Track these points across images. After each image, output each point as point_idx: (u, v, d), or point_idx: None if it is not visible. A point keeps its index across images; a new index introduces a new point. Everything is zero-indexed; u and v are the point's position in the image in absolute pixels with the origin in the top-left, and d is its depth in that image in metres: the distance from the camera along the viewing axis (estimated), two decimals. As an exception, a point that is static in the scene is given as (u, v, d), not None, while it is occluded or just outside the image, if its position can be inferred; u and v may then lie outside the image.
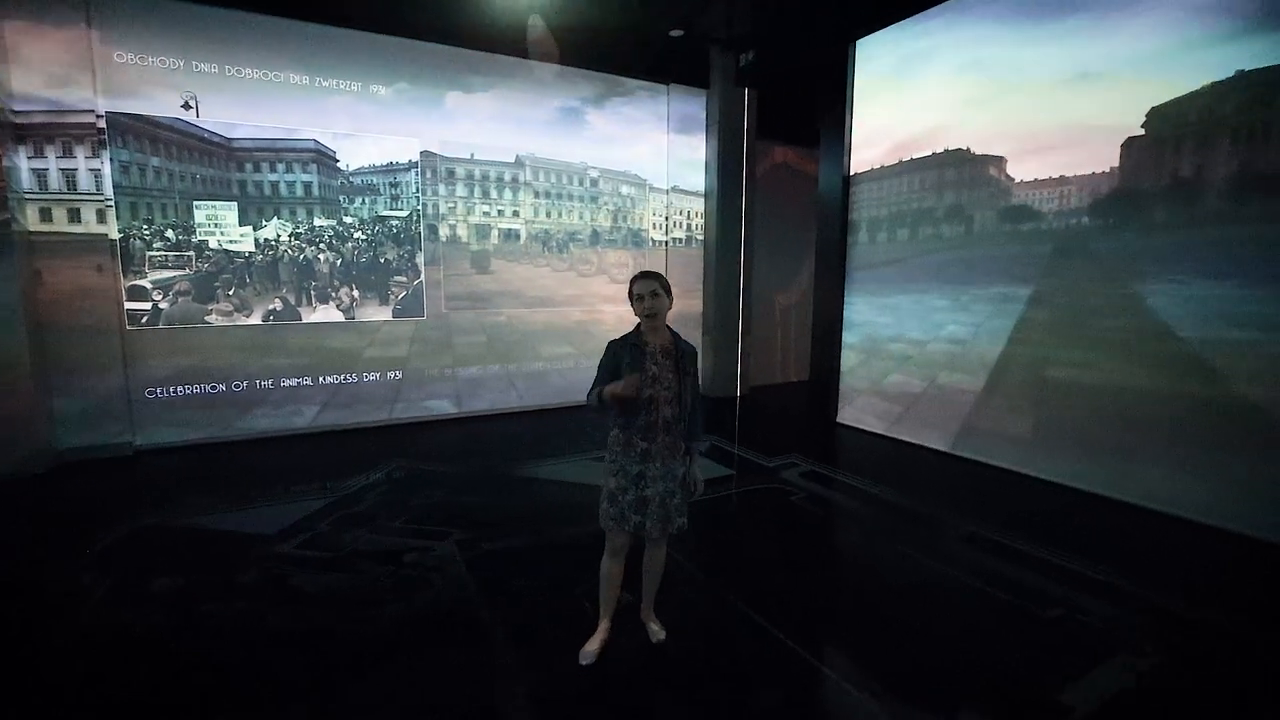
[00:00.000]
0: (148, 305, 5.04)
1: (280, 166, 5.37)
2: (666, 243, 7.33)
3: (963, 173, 5.14)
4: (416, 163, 5.90)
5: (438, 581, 3.12)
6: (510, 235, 6.47)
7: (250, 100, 5.21)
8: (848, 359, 6.31)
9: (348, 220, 5.69)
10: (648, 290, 2.40)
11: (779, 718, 2.18)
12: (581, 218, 6.83)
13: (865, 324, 6.08)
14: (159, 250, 5.04)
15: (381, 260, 5.87)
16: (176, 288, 5.13)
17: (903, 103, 5.53)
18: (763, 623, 2.75)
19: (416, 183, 5.93)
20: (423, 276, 6.07)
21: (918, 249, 5.58)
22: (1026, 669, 2.46)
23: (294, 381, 5.59)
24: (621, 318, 7.04)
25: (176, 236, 5.08)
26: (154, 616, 2.79)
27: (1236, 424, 3.69)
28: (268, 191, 5.36)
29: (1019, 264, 4.80)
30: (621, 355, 2.42)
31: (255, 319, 5.43)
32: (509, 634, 2.67)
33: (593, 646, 2.46)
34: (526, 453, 5.31)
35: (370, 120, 5.67)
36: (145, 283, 5.02)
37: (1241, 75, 3.60)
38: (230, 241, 5.26)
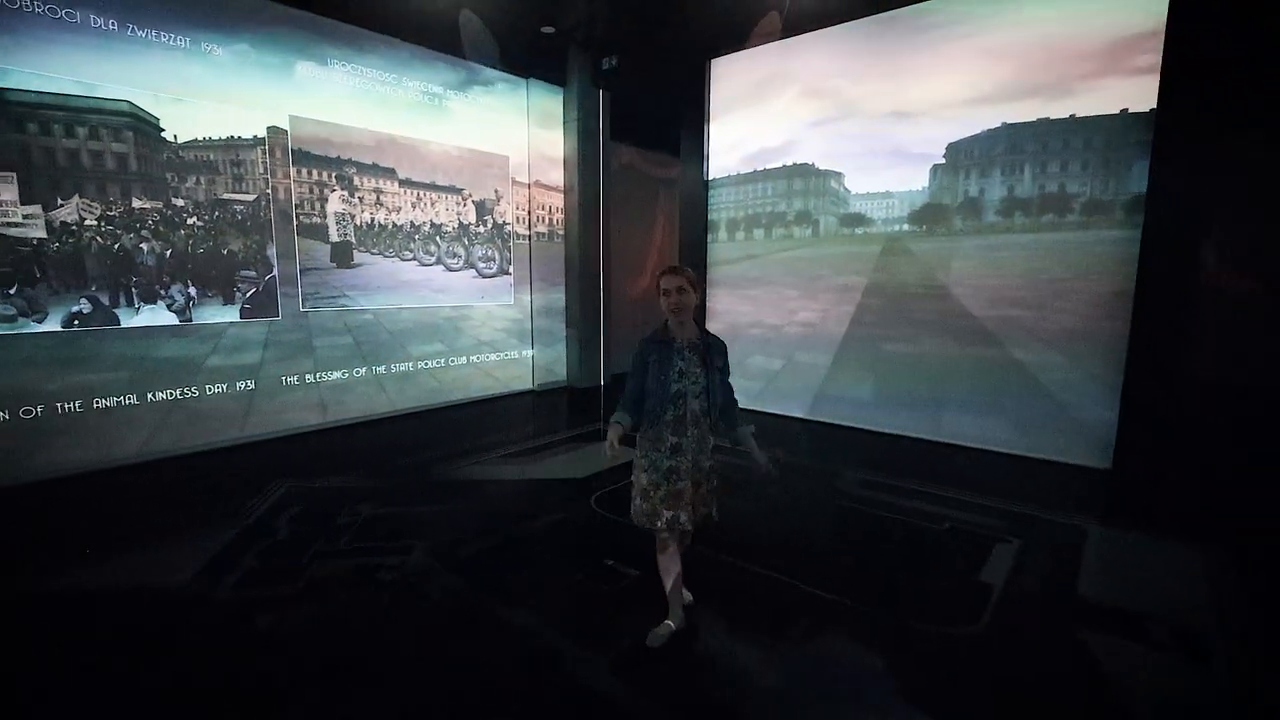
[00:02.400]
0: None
1: (81, 131, 4.24)
2: (530, 237, 7.33)
3: (809, 183, 6.15)
4: (263, 139, 5.09)
5: (435, 591, 2.96)
6: (374, 225, 5.92)
7: (29, 40, 4.03)
8: (711, 344, 7.05)
9: (179, 203, 4.71)
10: (674, 286, 2.38)
11: (802, 627, 2.62)
12: (449, 209, 6.51)
13: (727, 312, 6.88)
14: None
15: (224, 252, 4.96)
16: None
17: (757, 118, 6.38)
18: (756, 568, 3.17)
19: (265, 163, 5.12)
20: (276, 271, 5.27)
21: (772, 247, 6.50)
22: (949, 563, 3.27)
23: (112, 401, 4.48)
24: (491, 313, 6.92)
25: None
26: None
27: (1011, 378, 5.13)
28: (63, 161, 4.20)
29: (856, 261, 5.93)
30: (649, 353, 2.45)
31: (52, 324, 4.23)
32: (550, 621, 2.70)
33: (662, 631, 2.51)
34: (425, 456, 5.02)
35: (204, 84, 4.75)
36: None
37: (1006, 125, 5.00)
38: (8, 224, 4.02)
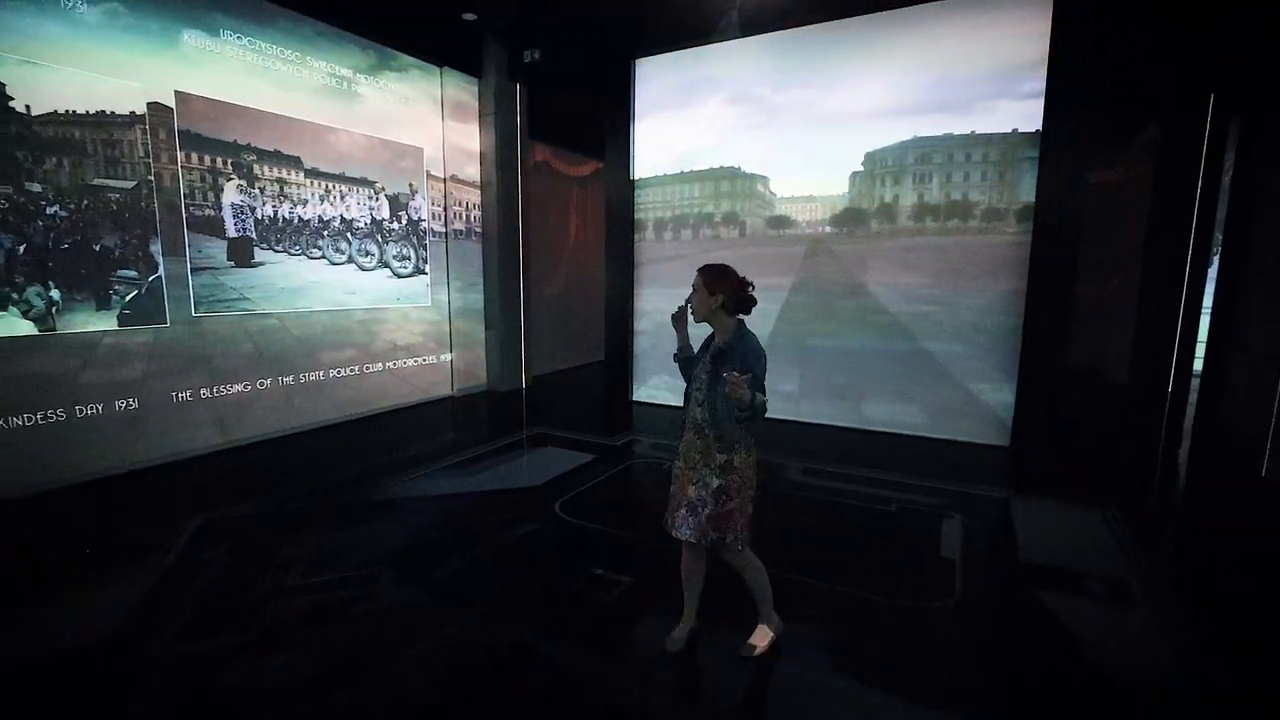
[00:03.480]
0: None
1: (-102, 96, 3.40)
2: (446, 234, 6.92)
3: (736, 186, 6.35)
4: (143, 116, 4.37)
5: (425, 620, 2.72)
6: (277, 220, 5.29)
7: None
8: (640, 343, 7.08)
9: (34, 188, 3.91)
10: (693, 285, 2.37)
11: (794, 614, 2.72)
12: (360, 203, 5.97)
13: (655, 311, 6.93)
14: None
15: (96, 248, 4.20)
16: None
17: (684, 120, 6.47)
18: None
19: (146, 144, 4.39)
20: (162, 270, 4.55)
21: (699, 247, 6.64)
22: (909, 541, 3.54)
23: (-49, 431, 3.64)
24: (407, 316, 6.48)
25: None
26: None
27: (924, 368, 5.64)
28: (-127, 134, 3.34)
29: (782, 261, 6.22)
30: (700, 350, 2.49)
31: None
32: (565, 639, 2.59)
33: (677, 634, 2.49)
34: (352, 473, 4.59)
35: (65, 47, 3.98)
36: None
37: (917, 138, 5.47)
38: None
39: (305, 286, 5.56)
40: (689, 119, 6.44)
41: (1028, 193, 5.09)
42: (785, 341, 6.24)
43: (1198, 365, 6.95)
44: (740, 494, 2.28)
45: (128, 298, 4.38)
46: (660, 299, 6.89)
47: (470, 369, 7.30)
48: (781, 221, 6.17)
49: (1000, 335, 5.31)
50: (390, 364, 6.37)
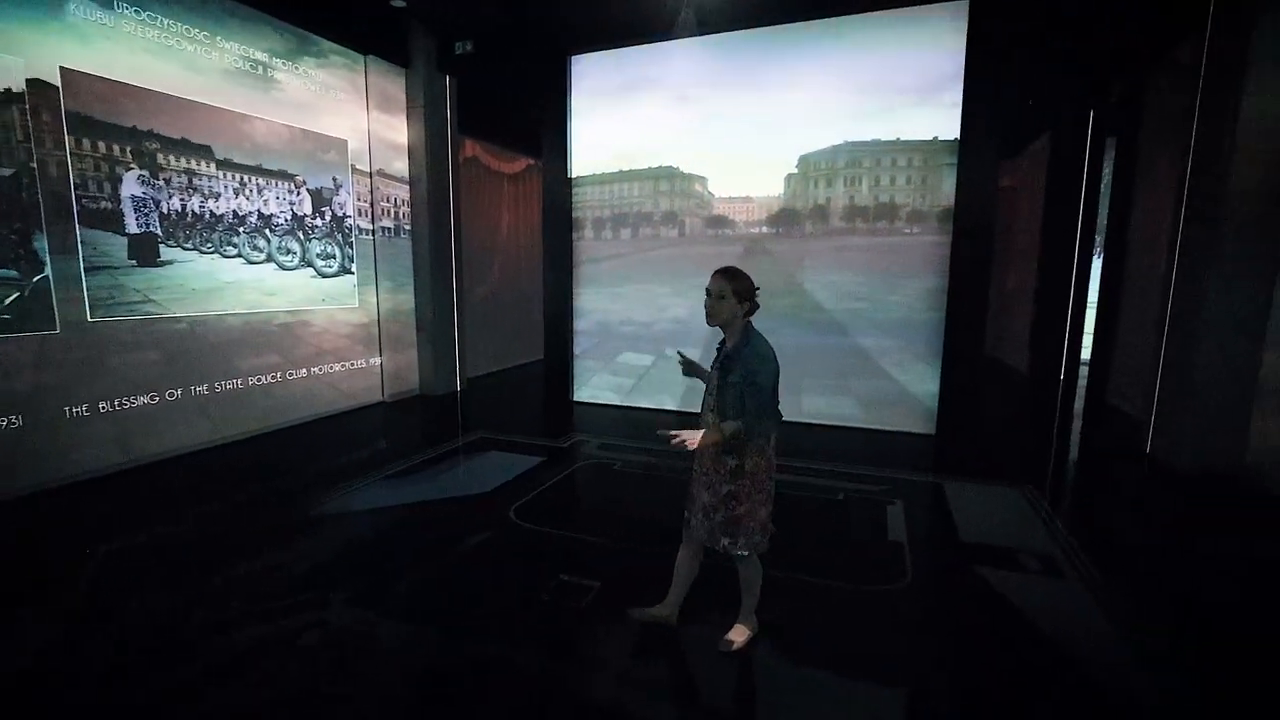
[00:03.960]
0: None
1: None
2: (374, 231, 6.56)
3: (675, 185, 6.40)
4: (22, 95, 3.85)
5: (388, 644, 2.57)
6: (186, 215, 4.82)
7: None
8: (580, 343, 7.01)
9: (-113, 175, 3.37)
10: (714, 290, 2.28)
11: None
12: (280, 198, 5.54)
13: (596, 310, 6.88)
14: None
15: (-33, 244, 3.67)
16: None
17: (622, 118, 6.45)
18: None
19: (25, 127, 3.88)
20: (49, 270, 4.03)
21: (639, 246, 6.65)
22: (859, 527, 3.71)
23: None
24: (334, 318, 6.12)
25: None
26: None
27: (857, 362, 5.92)
28: None
29: (721, 260, 6.29)
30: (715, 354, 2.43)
31: None
32: (543, 653, 2.52)
33: (650, 610, 2.61)
34: (280, 488, 4.28)
35: (-78, 14, 3.45)
36: None
37: (847, 143, 5.73)
38: None
39: (219, 288, 5.10)
40: (627, 118, 6.43)
41: (947, 196, 5.45)
42: (725, 339, 6.35)
43: (1085, 354, 7.72)
44: (750, 499, 2.29)
45: (7, 301, 3.86)
46: (600, 298, 6.85)
47: (402, 373, 6.97)
48: (720, 221, 6.29)
49: (925, 330, 5.65)
50: (317, 370, 5.97)
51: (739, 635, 2.50)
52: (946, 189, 5.45)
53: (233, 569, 3.12)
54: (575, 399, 7.03)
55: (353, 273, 6.36)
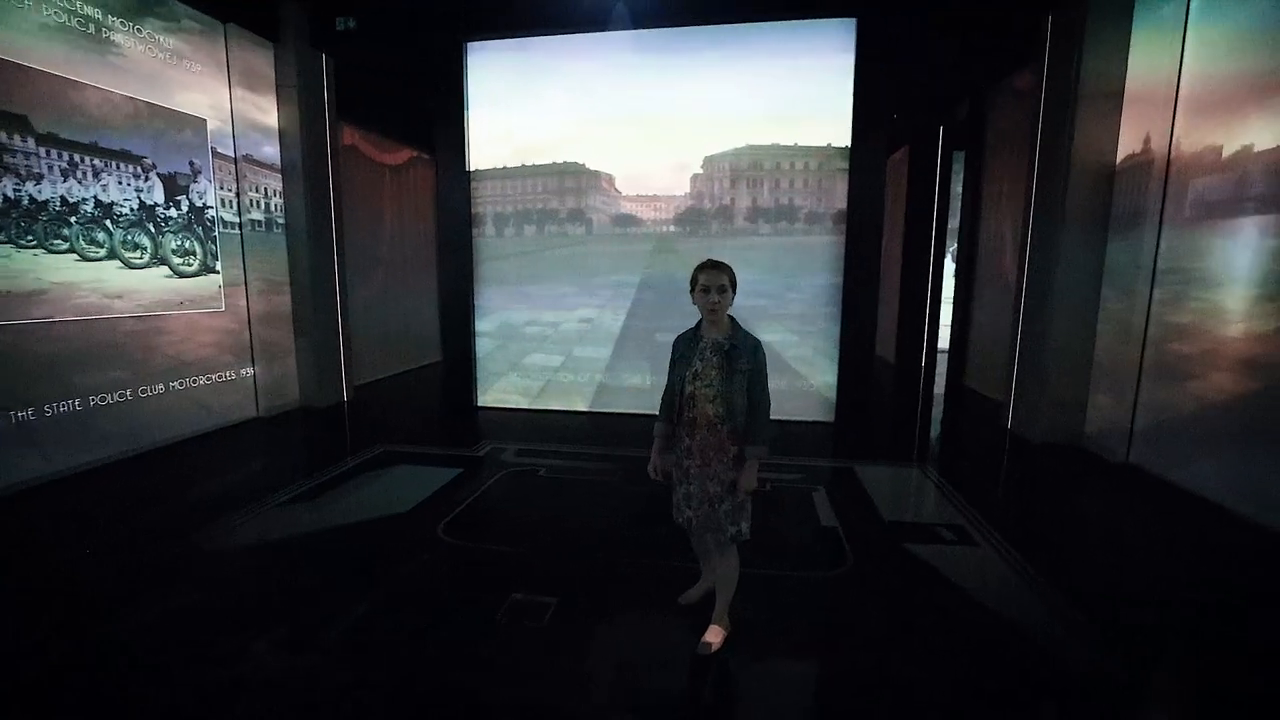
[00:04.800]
0: None
1: None
2: (241, 224, 5.77)
3: (580, 182, 6.28)
4: None
5: (331, 688, 2.26)
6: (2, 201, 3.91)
7: None
8: (483, 345, 6.67)
9: None
10: (715, 284, 2.30)
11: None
12: (124, 183, 4.68)
13: (501, 310, 6.58)
14: None
15: None
16: None
17: (525, 111, 6.20)
18: (646, 560, 3.26)
19: None
20: None
21: (545, 244, 6.45)
22: (792, 515, 3.87)
23: None
24: (195, 324, 5.35)
25: None
26: None
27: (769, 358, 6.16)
28: None
29: (630, 258, 6.32)
30: (676, 350, 2.47)
31: None
32: (518, 682, 2.35)
33: (692, 591, 2.75)
34: (148, 524, 3.65)
35: None
36: None
37: (749, 146, 5.95)
38: None
39: (45, 289, 4.21)
40: (529, 111, 6.21)
41: (841, 199, 5.85)
42: (636, 337, 6.37)
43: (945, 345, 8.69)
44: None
45: None
46: (504, 298, 6.56)
47: (280, 384, 6.22)
48: (627, 219, 6.27)
49: (823, 325, 6.04)
50: (177, 384, 5.14)
51: (715, 636, 2.49)
52: (840, 193, 5.85)
53: (137, 617, 2.59)
54: (480, 404, 6.69)
55: (217, 271, 5.55)
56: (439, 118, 6.34)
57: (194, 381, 5.33)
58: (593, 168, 6.23)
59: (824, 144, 5.80)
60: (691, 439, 2.39)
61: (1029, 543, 3.46)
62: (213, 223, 5.50)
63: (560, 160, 6.25)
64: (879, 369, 9.36)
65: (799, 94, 5.73)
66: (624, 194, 6.23)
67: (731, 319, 2.40)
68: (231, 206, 5.68)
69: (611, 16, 5.68)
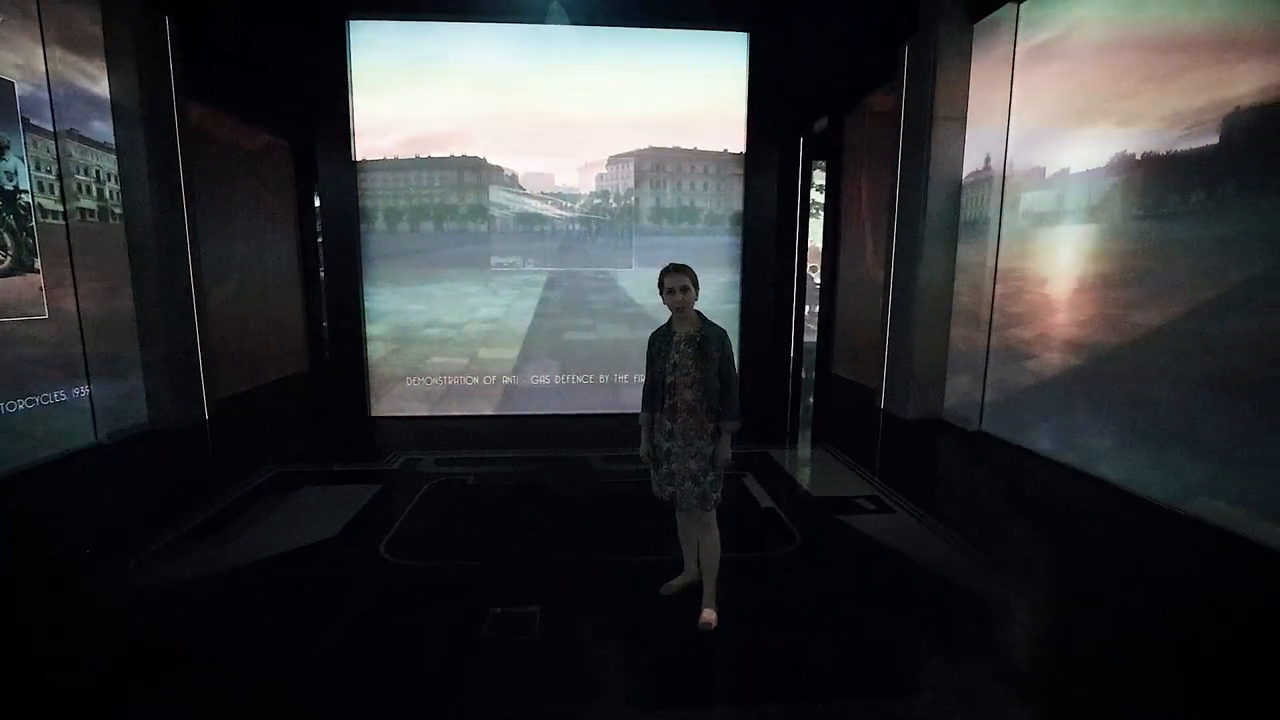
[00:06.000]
0: None
1: None
2: (67, 213, 4.77)
3: (482, 177, 6.03)
4: None
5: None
6: None
7: None
8: (376, 350, 6.16)
9: None
10: (678, 285, 2.52)
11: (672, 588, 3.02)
12: (-94, 159, 3.66)
13: (396, 312, 6.12)
14: None
15: None
16: None
17: (419, 101, 5.81)
18: (601, 560, 3.31)
19: None
20: None
21: (444, 241, 6.11)
22: (732, 502, 4.10)
23: None
24: (9, 336, 4.42)
25: None
26: None
27: (669, 351, 6.39)
28: None
29: (535, 257, 6.20)
30: (653, 345, 2.66)
31: None
32: (526, 681, 2.28)
33: (675, 582, 2.88)
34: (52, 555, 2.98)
35: None
36: None
37: (652, 148, 6.11)
38: None
39: None
40: (425, 101, 5.83)
41: (738, 202, 6.24)
42: (544, 337, 6.28)
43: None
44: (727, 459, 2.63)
45: None
46: (399, 298, 6.12)
47: (123, 404, 5.25)
48: (535, 217, 6.15)
49: (725, 320, 6.37)
50: (-12, 410, 4.15)
51: (711, 615, 2.64)
52: (737, 196, 6.23)
53: (56, 693, 2.09)
54: (375, 414, 6.18)
55: (37, 270, 4.55)
56: (317, 101, 5.74)
57: (10, 406, 4.34)
58: (494, 162, 6.02)
59: (721, 149, 6.15)
60: (674, 423, 2.60)
61: (929, 504, 4.01)
62: (27, 210, 4.50)
63: (460, 154, 5.95)
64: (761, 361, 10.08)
65: (699, 100, 6.01)
66: (528, 191, 6.10)
67: (699, 314, 2.62)
68: (53, 192, 4.68)
69: (510, 7, 5.54)
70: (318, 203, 8.02)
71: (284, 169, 7.95)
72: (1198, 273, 3.78)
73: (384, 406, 6.20)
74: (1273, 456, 3.34)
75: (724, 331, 2.61)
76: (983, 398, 5.71)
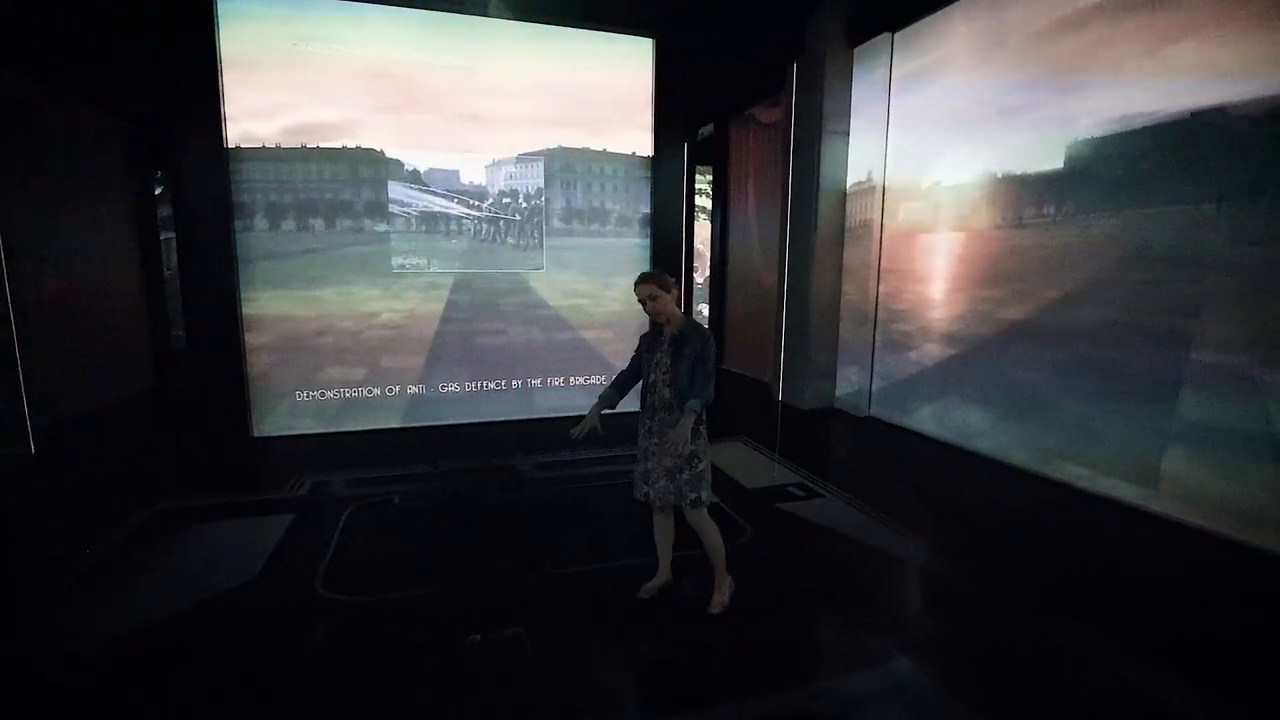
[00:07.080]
0: None
1: None
2: None
3: (379, 171, 5.56)
4: None
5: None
6: None
7: None
8: (258, 362, 5.47)
9: None
10: (646, 295, 2.60)
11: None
12: None
13: (283, 319, 5.47)
14: None
15: None
16: None
17: (304, 85, 5.21)
18: (561, 571, 3.29)
19: None
20: None
21: (338, 240, 5.56)
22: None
23: None
24: None
25: None
26: None
27: (582, 354, 6.36)
28: None
29: (442, 257, 5.86)
30: (642, 344, 2.75)
31: None
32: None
33: (651, 584, 2.88)
34: None
35: None
36: None
37: (562, 148, 6.02)
38: None
39: None
40: (314, 85, 5.25)
41: (646, 204, 6.35)
42: (453, 342, 5.97)
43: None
44: (705, 455, 2.67)
45: None
46: (285, 303, 5.47)
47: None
48: (438, 215, 5.80)
49: (635, 322, 6.48)
50: None
51: (723, 595, 2.79)
52: (645, 199, 6.34)
53: None
54: (257, 434, 5.48)
55: None
56: (173, 78, 4.96)
57: None
58: (393, 156, 5.58)
59: (630, 152, 6.22)
60: (652, 420, 2.69)
61: (851, 487, 4.40)
62: None
63: (354, 145, 5.45)
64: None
65: (608, 102, 6.03)
66: (433, 186, 5.74)
67: (686, 317, 2.70)
68: None
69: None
70: (169, 196, 6.89)
71: (118, 153, 6.77)
72: (1050, 275, 4.51)
73: (269, 425, 5.53)
74: (1112, 427, 4.08)
75: (707, 332, 2.64)
76: (870, 386, 6.34)
